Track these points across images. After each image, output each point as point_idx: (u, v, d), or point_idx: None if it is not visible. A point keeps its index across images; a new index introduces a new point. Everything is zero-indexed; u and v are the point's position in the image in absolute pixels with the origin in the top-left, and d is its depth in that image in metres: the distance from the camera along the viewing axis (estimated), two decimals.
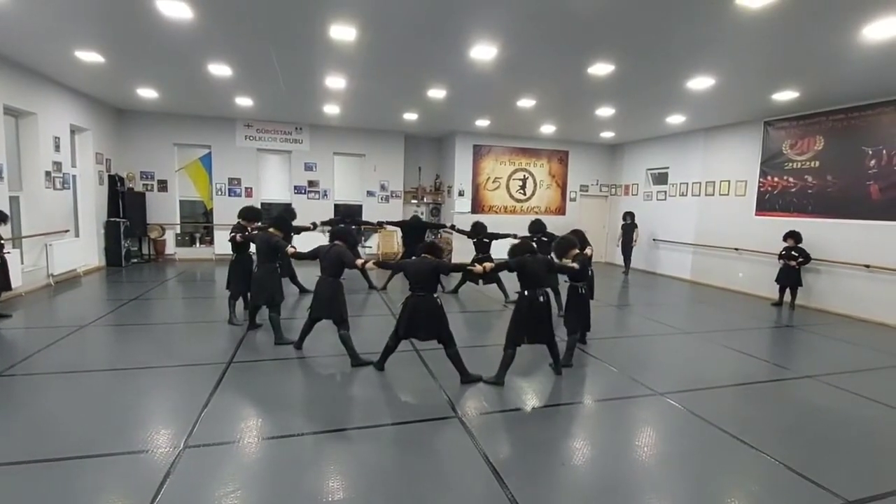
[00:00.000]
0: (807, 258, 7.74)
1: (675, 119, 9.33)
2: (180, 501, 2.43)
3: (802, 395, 4.30)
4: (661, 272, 11.48)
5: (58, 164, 8.08)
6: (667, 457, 3.15)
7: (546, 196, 13.02)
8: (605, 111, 8.83)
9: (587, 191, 13.38)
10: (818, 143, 7.99)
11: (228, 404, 3.62)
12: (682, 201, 10.89)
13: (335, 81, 7.28)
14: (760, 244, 8.85)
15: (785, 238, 7.90)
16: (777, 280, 8.05)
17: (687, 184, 10.75)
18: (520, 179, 12.73)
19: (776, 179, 8.68)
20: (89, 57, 6.41)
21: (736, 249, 9.40)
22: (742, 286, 9.31)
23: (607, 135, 11.64)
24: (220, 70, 6.84)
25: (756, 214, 9.03)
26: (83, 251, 8.98)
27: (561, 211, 13.13)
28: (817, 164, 8.02)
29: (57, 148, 8.05)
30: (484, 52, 5.66)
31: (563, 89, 7.42)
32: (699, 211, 10.39)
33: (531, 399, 4.03)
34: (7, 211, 6.26)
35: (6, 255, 5.96)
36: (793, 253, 7.82)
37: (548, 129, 10.99)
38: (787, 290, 7.99)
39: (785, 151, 8.51)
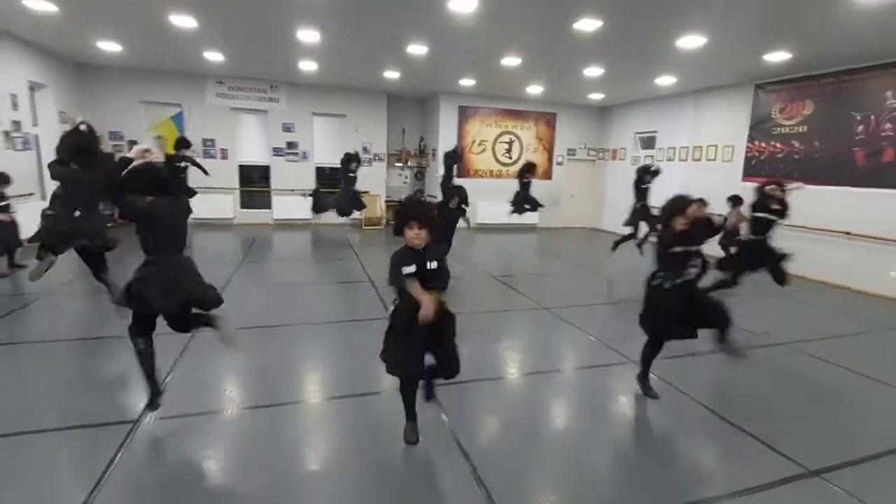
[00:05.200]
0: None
1: (665, 80, 9.04)
2: (134, 474, 2.35)
3: (776, 362, 4.32)
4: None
5: (17, 124, 7.62)
6: (637, 429, 3.14)
7: (533, 160, 12.73)
8: (593, 71, 8.51)
9: (574, 155, 13.14)
10: (807, 108, 7.82)
11: (190, 375, 3.51)
12: (669, 166, 10.71)
13: (308, 35, 6.86)
14: (746, 210, 8.76)
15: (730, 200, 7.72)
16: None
17: (674, 148, 10.57)
18: (506, 143, 12.43)
19: (763, 145, 8.54)
20: (39, 5, 5.91)
21: (721, 216, 9.32)
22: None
23: (596, 97, 11.32)
24: (182, 21, 6.38)
25: (742, 180, 8.93)
26: None
27: (547, 175, 12.92)
28: (805, 129, 7.87)
29: (14, 106, 7.57)
30: (463, 3, 5.31)
31: (549, 46, 7.09)
32: (686, 176, 10.25)
33: (503, 368, 3.99)
34: None
35: (13, 214, 6.10)
36: None
37: (535, 89, 10.63)
38: None
39: (774, 116, 8.33)
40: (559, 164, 13.05)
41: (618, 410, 3.37)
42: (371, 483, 2.45)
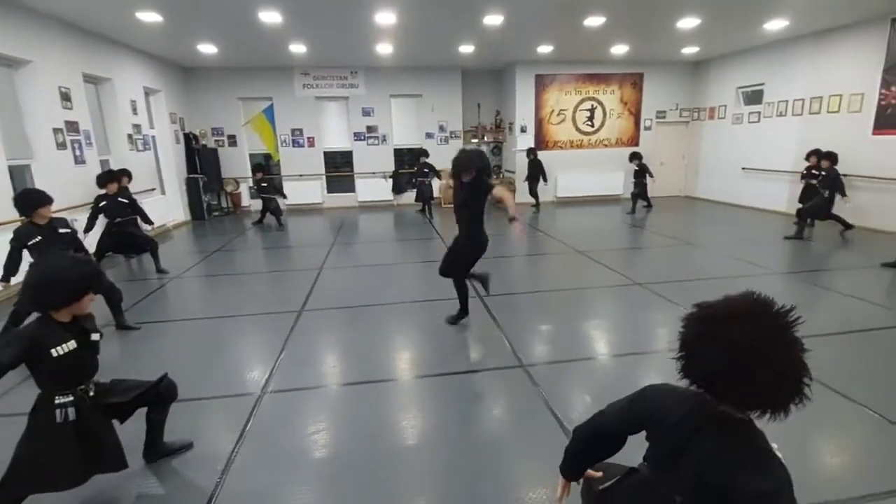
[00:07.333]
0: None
1: (776, 24, 7.97)
2: (264, 440, 2.60)
3: None
4: (748, 205, 10.39)
5: (137, 127, 8.55)
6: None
7: (617, 126, 12.01)
8: (687, 22, 7.71)
9: (664, 117, 12.15)
10: None
11: (301, 351, 3.78)
12: (780, 122, 9.56)
13: (385, 17, 6.90)
14: (876, 168, 7.63)
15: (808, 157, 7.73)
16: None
17: (787, 102, 9.37)
18: (587, 110, 11.79)
19: None
20: (149, 17, 6.51)
21: (844, 176, 8.17)
22: (850, 217, 8.16)
23: (690, 51, 10.30)
24: (269, 17, 6.70)
25: (873, 133, 7.73)
26: (170, 207, 9.67)
27: (634, 142, 12.10)
28: None
29: (134, 111, 8.50)
30: None
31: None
32: (801, 133, 9.09)
33: (597, 348, 3.85)
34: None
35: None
36: (813, 171, 7.64)
37: (619, 49, 9.90)
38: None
39: None
40: (647, 128, 12.15)
41: None
42: (462, 458, 2.49)
